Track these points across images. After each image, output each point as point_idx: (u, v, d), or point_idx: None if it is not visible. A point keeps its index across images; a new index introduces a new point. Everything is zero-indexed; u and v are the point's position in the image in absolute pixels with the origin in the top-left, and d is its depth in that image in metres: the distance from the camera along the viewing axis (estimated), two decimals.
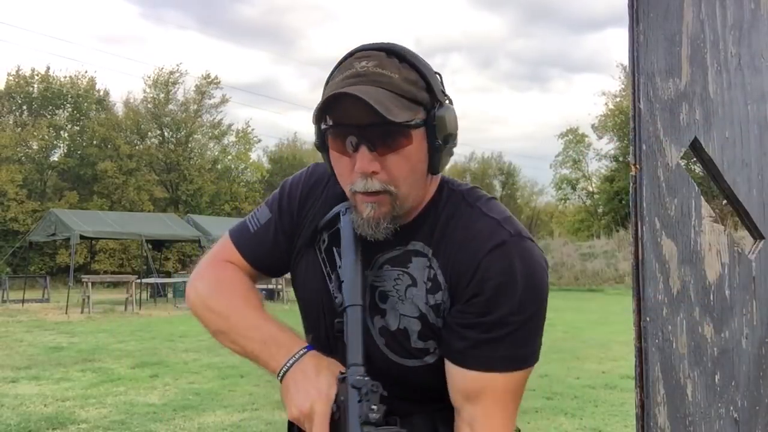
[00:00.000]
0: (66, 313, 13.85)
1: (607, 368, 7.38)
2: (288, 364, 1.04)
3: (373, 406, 0.94)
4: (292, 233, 1.20)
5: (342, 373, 1.01)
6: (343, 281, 1.08)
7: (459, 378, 1.05)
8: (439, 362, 1.08)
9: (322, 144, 1.08)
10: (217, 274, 1.20)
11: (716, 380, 0.91)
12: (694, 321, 0.89)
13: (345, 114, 0.99)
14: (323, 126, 1.05)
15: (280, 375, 1.04)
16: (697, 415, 0.88)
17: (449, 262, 1.06)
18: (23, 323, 12.27)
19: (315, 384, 1.01)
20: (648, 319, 0.85)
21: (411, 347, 1.09)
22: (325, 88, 1.05)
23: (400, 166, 1.01)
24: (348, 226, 1.10)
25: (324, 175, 1.19)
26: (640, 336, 0.85)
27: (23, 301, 16.19)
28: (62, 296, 15.59)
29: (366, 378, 0.97)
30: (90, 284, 14.51)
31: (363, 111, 0.95)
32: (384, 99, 0.96)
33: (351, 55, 1.06)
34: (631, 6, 0.87)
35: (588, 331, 10.76)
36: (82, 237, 17.80)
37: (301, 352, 1.05)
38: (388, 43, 1.05)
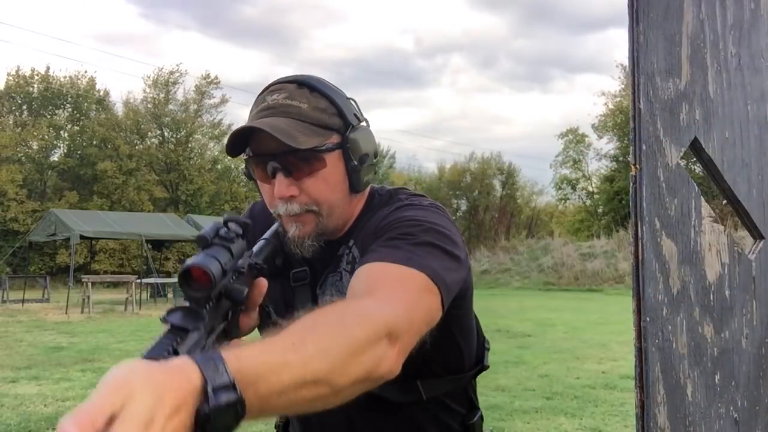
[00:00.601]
0: (66, 313, 13.85)
1: (607, 368, 7.38)
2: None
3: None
4: None
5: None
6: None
7: (358, 278, 0.99)
8: None
9: (249, 173, 1.17)
10: None
11: (716, 380, 0.91)
12: (694, 321, 0.89)
13: (260, 145, 1.08)
14: (244, 156, 1.13)
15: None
16: (697, 415, 0.88)
17: (361, 239, 1.14)
18: (23, 323, 12.27)
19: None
20: (648, 319, 0.85)
21: None
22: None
23: (317, 188, 1.10)
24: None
25: (263, 209, 1.23)
26: (640, 336, 0.85)
27: (23, 301, 16.19)
28: (62, 296, 15.59)
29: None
30: (90, 284, 14.51)
31: (273, 141, 1.04)
32: (290, 128, 1.05)
33: (266, 89, 1.14)
34: (631, 6, 0.87)
35: (588, 331, 10.75)
36: (82, 237, 17.80)
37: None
38: (301, 75, 1.14)
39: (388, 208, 1.14)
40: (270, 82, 1.16)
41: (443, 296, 0.97)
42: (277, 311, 1.13)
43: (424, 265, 0.98)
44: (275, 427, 1.30)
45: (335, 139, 1.10)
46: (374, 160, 1.16)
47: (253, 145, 1.10)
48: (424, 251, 1.01)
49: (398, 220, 1.08)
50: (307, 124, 1.07)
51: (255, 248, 1.15)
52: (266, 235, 1.16)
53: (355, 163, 1.12)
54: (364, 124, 1.16)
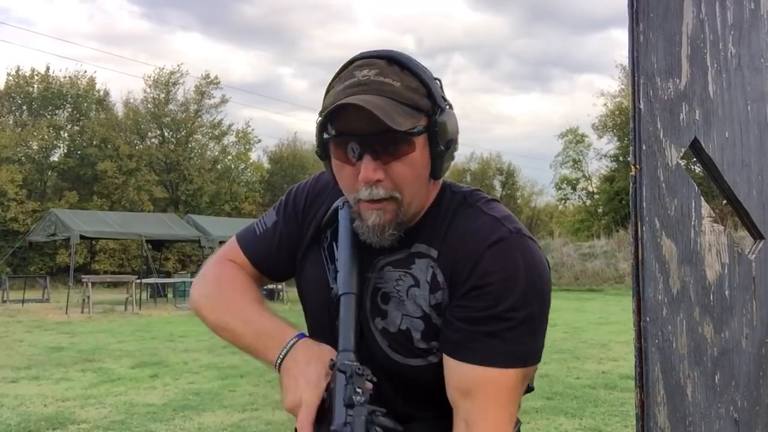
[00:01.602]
0: (66, 313, 13.85)
1: (607, 368, 7.38)
2: (281, 355, 1.05)
3: (358, 389, 0.92)
4: (298, 236, 1.22)
5: (332, 360, 1.00)
6: (338, 271, 1.10)
7: (455, 372, 1.03)
8: (441, 364, 1.07)
9: (324, 153, 1.09)
10: (218, 273, 1.22)
11: (716, 380, 0.91)
12: (694, 321, 0.89)
13: (348, 123, 1.00)
14: (325, 135, 1.05)
15: (277, 366, 1.05)
16: (697, 415, 0.88)
17: (449, 260, 1.07)
18: (23, 323, 12.27)
19: (304, 374, 1.01)
20: (648, 319, 0.85)
21: (414, 347, 1.08)
22: (325, 97, 1.07)
23: (403, 173, 1.02)
24: (345, 219, 1.13)
25: (330, 181, 1.20)
26: (640, 336, 0.85)
27: (23, 301, 16.19)
28: (62, 296, 15.59)
29: (353, 362, 0.97)
30: (90, 284, 14.51)
31: (366, 120, 0.97)
32: (387, 107, 0.98)
33: (351, 63, 1.06)
34: (631, 6, 0.87)
35: (588, 331, 10.75)
36: (82, 237, 17.80)
37: (292, 342, 1.06)
38: (389, 51, 1.06)
39: (486, 239, 1.05)
40: (355, 56, 1.08)
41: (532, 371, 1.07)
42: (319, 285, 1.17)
43: (522, 358, 1.02)
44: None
45: (424, 121, 1.03)
46: (457, 147, 1.10)
47: (339, 123, 1.01)
48: (521, 333, 1.02)
49: (500, 286, 1.02)
50: (400, 104, 1.00)
51: (326, 216, 1.19)
52: (335, 205, 1.18)
53: (441, 148, 1.05)
54: (448, 107, 1.08)
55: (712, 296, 0.92)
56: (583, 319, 12.51)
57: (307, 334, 1.15)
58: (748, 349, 0.95)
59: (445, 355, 1.06)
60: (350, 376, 0.94)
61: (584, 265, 23.76)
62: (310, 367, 1.02)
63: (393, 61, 1.04)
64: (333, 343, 1.07)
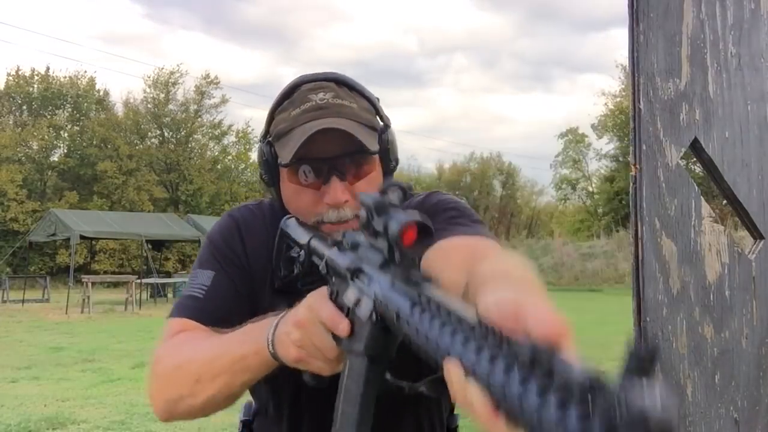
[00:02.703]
0: (66, 313, 13.85)
1: (608, 368, 7.37)
2: (271, 330, 0.90)
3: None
4: (248, 278, 1.11)
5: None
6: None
7: (450, 250, 0.92)
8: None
9: (272, 178, 1.08)
10: (172, 343, 1.05)
11: (716, 380, 0.91)
12: (694, 321, 0.89)
13: (317, 147, 0.99)
14: (282, 161, 1.02)
15: (270, 341, 0.90)
16: (697, 415, 0.88)
17: None
18: (23, 323, 12.26)
19: (304, 303, 0.87)
20: (648, 319, 0.85)
21: None
22: (273, 120, 1.07)
23: (367, 192, 1.02)
24: (295, 225, 1.07)
25: (252, 215, 1.16)
26: (640, 336, 0.85)
27: (23, 301, 16.18)
28: (62, 296, 15.58)
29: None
30: (90, 284, 14.50)
31: (333, 143, 0.99)
32: (357, 129, 1.00)
33: (298, 85, 1.07)
34: (631, 6, 0.87)
35: (588, 331, 10.75)
36: (82, 237, 17.79)
37: (281, 315, 0.91)
38: (333, 73, 1.08)
39: (418, 199, 1.10)
40: (299, 78, 1.08)
41: None
42: None
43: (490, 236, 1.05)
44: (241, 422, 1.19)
45: (377, 140, 1.05)
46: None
47: (305, 149, 0.99)
48: (479, 226, 1.06)
49: (442, 203, 1.07)
50: (361, 125, 1.02)
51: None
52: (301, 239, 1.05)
53: (393, 164, 1.09)
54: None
55: (712, 296, 0.92)
56: (583, 319, 12.50)
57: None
58: (748, 349, 0.95)
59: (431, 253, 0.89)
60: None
61: (584, 265, 23.76)
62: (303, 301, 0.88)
63: (341, 83, 1.06)
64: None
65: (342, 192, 1.01)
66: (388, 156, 1.07)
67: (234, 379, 0.96)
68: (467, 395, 0.50)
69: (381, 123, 1.08)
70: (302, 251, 1.02)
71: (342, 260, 0.84)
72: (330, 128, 0.98)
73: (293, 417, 1.13)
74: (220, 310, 1.07)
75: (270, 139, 1.08)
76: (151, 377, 1.04)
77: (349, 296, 0.79)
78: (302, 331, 0.83)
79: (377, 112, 1.08)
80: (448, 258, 0.88)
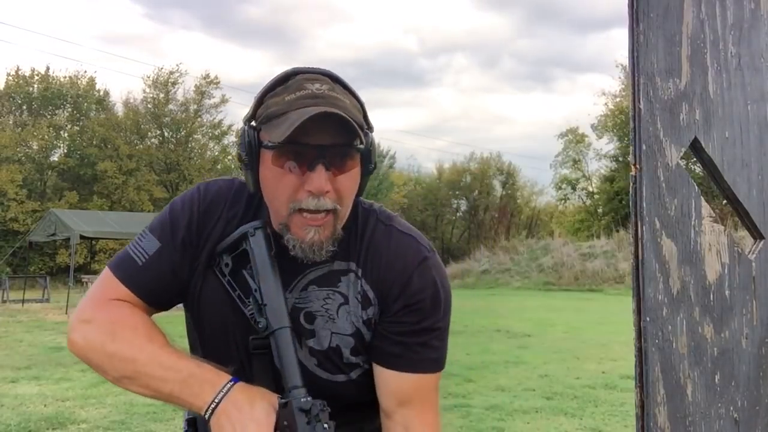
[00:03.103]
0: (66, 313, 13.85)
1: (607, 368, 7.38)
2: (216, 401, 0.99)
3: (325, 425, 0.95)
4: (191, 259, 1.12)
5: (282, 398, 1.00)
6: (265, 304, 1.05)
7: (393, 382, 1.12)
8: (363, 377, 1.14)
9: (252, 161, 1.08)
10: (110, 316, 1.08)
11: (716, 380, 0.91)
12: (694, 321, 0.89)
13: (305, 133, 0.99)
14: (269, 143, 1.03)
15: (208, 413, 0.99)
16: (697, 415, 0.88)
17: (377, 279, 1.12)
18: (23, 323, 12.27)
19: (251, 416, 0.97)
20: (648, 319, 0.85)
21: (342, 363, 1.12)
22: (263, 103, 1.07)
23: (347, 186, 1.06)
24: (259, 246, 1.08)
25: (219, 195, 1.16)
26: (640, 336, 0.85)
27: (23, 301, 16.19)
28: (62, 296, 15.58)
29: (312, 399, 0.98)
30: (90, 284, 14.49)
31: (325, 132, 1.00)
32: (347, 122, 1.01)
33: (294, 74, 1.07)
34: (631, 6, 0.87)
35: (588, 331, 10.75)
36: (82, 237, 17.80)
37: (228, 385, 1.01)
38: (327, 70, 1.10)
39: (412, 260, 1.13)
40: (295, 68, 1.09)
41: None
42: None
43: (443, 360, 1.16)
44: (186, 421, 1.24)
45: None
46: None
47: (298, 132, 0.99)
48: (442, 339, 1.15)
49: (430, 303, 1.12)
50: (352, 120, 1.02)
51: (227, 240, 1.10)
52: (242, 230, 1.10)
53: (372, 166, 1.10)
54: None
55: (712, 296, 0.92)
56: (583, 319, 12.51)
57: (193, 356, 1.12)
58: (748, 349, 0.95)
59: (381, 368, 1.12)
60: (315, 415, 0.95)
61: (584, 265, 23.76)
62: (255, 408, 0.98)
63: (334, 79, 1.08)
64: (240, 369, 1.09)
65: (326, 181, 1.02)
66: (369, 158, 1.09)
67: (160, 399, 1.05)
68: None
69: (365, 124, 1.11)
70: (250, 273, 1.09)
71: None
72: (329, 113, 0.98)
73: None
74: (153, 284, 1.10)
75: (257, 122, 1.09)
76: (80, 329, 1.08)
77: None
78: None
79: (364, 113, 1.11)
80: (389, 388, 1.11)
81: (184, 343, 1.20)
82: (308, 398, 0.98)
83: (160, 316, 1.15)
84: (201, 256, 1.12)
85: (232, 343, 1.13)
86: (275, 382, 1.07)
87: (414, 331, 1.11)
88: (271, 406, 1.00)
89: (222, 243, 1.12)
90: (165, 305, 1.15)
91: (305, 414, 0.96)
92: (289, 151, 1.03)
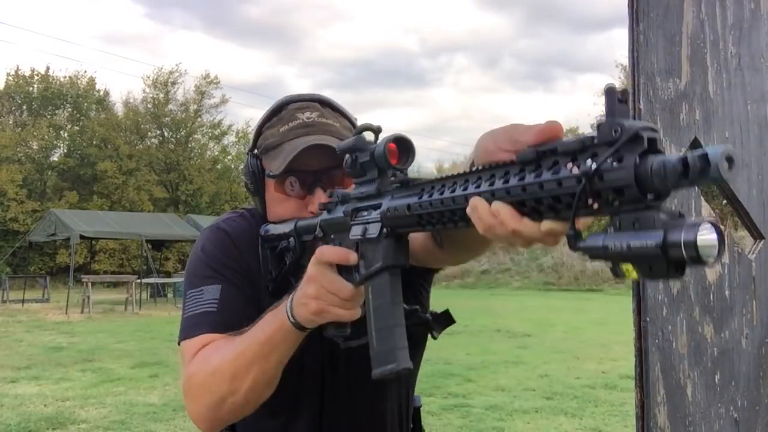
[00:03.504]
0: (66, 313, 13.85)
1: (607, 368, 7.38)
2: (288, 303, 0.96)
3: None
4: (251, 284, 1.15)
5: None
6: None
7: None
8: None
9: (258, 187, 1.17)
10: (198, 359, 1.07)
11: (716, 380, 0.91)
12: (694, 321, 0.89)
13: (303, 161, 1.09)
14: (271, 173, 1.13)
15: (290, 312, 0.95)
16: (697, 415, 0.88)
17: None
18: (23, 323, 12.26)
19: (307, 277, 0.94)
20: (648, 319, 0.85)
21: None
22: (262, 134, 1.17)
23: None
24: (295, 252, 1.13)
25: (239, 227, 1.21)
26: (640, 336, 0.85)
27: (23, 301, 16.18)
28: (62, 296, 15.58)
29: None
30: (90, 284, 14.50)
31: (319, 158, 1.09)
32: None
33: (285, 104, 1.17)
34: (631, 6, 0.88)
35: (588, 331, 10.75)
36: (82, 237, 17.78)
37: (287, 298, 0.98)
38: (317, 94, 1.19)
39: None
40: (286, 98, 1.18)
41: None
42: None
43: None
44: None
45: None
46: None
47: (293, 162, 1.08)
48: None
49: None
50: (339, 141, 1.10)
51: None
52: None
53: None
54: None
55: (712, 296, 0.92)
56: (583, 319, 12.50)
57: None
58: (748, 349, 0.95)
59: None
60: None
61: (584, 265, 23.74)
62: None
63: (325, 104, 1.17)
64: (304, 384, 1.13)
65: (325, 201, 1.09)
66: None
67: (266, 363, 0.99)
68: (497, 215, 0.64)
69: None
70: (291, 238, 1.11)
71: (336, 212, 0.97)
72: (318, 144, 1.08)
73: (291, 408, 1.17)
74: (237, 319, 1.08)
75: (258, 151, 1.19)
76: (187, 398, 1.06)
77: (355, 232, 0.90)
78: (315, 284, 0.91)
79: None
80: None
81: None
82: None
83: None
84: (255, 281, 1.16)
85: (298, 362, 1.09)
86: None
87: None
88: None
89: (267, 262, 1.16)
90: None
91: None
92: (289, 179, 1.13)
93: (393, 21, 76.80)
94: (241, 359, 1.00)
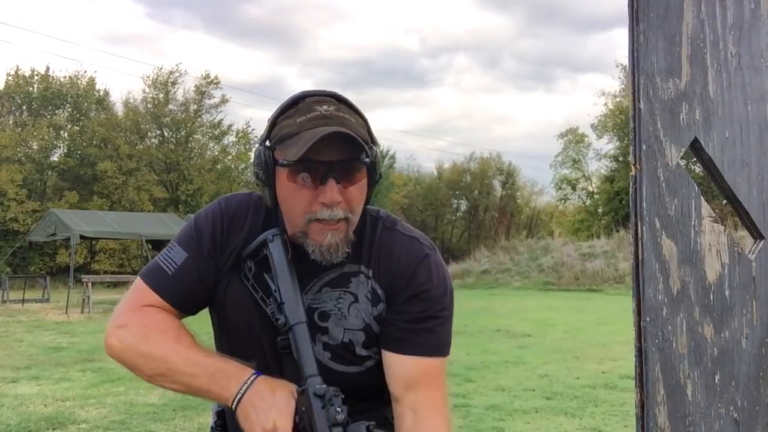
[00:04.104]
0: (66, 313, 13.85)
1: (607, 368, 7.38)
2: (241, 391, 1.10)
3: (338, 408, 1.04)
4: (216, 267, 1.23)
5: (300, 386, 1.10)
6: (283, 302, 1.16)
7: (399, 367, 1.20)
8: (374, 369, 1.23)
9: (269, 177, 1.18)
10: (142, 320, 1.19)
11: (716, 380, 0.91)
12: (694, 321, 0.89)
13: (317, 152, 1.10)
14: (284, 161, 1.14)
15: (234, 403, 1.09)
16: (697, 415, 0.88)
17: (385, 276, 1.23)
18: (23, 323, 12.27)
19: (273, 403, 1.08)
20: (648, 319, 0.85)
21: (354, 356, 1.22)
22: (277, 124, 1.18)
23: (356, 196, 1.17)
24: (278, 251, 1.20)
25: (240, 207, 1.27)
26: (640, 336, 0.85)
27: (23, 301, 16.19)
28: (62, 296, 15.59)
29: (326, 386, 1.08)
30: (90, 284, 14.51)
31: (334, 149, 1.11)
32: (355, 140, 1.12)
33: (303, 97, 1.18)
34: (631, 6, 0.88)
35: (588, 331, 10.75)
36: (82, 237, 17.79)
37: (252, 377, 1.12)
38: (332, 91, 1.20)
39: (415, 256, 1.24)
40: (302, 92, 1.19)
41: None
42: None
43: (448, 346, 1.25)
44: (211, 429, 1.33)
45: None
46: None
47: (310, 150, 1.10)
48: (446, 326, 1.25)
49: (434, 293, 1.23)
50: (358, 138, 1.13)
51: (250, 247, 1.22)
52: (262, 237, 1.21)
53: (378, 177, 1.21)
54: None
55: (712, 296, 0.92)
56: (583, 319, 12.51)
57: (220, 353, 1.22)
58: (748, 349, 0.95)
59: (388, 353, 1.21)
60: (329, 399, 1.05)
61: (584, 265, 23.75)
62: (277, 396, 1.09)
63: (340, 100, 1.19)
64: (270, 367, 1.19)
65: (337, 193, 1.13)
66: (374, 169, 1.19)
67: (190, 393, 1.15)
68: None
69: (369, 138, 1.20)
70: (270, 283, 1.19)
71: None
72: (335, 134, 1.09)
73: None
74: (182, 293, 1.21)
75: (271, 142, 1.20)
76: (112, 337, 1.19)
77: None
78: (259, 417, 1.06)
79: (368, 128, 1.21)
80: (396, 372, 1.20)
81: (211, 343, 1.29)
82: (323, 385, 1.08)
83: (188, 318, 1.26)
84: (226, 264, 1.23)
85: (257, 343, 1.23)
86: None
87: (419, 318, 1.21)
88: (291, 393, 1.10)
89: (245, 249, 1.22)
90: (193, 310, 1.26)
91: (320, 399, 1.06)
92: (303, 168, 1.14)
93: (394, 21, 76.77)
94: (175, 375, 1.14)
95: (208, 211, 1.27)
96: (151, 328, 1.17)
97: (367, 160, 1.16)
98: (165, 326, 1.18)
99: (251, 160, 1.31)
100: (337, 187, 1.13)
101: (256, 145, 1.22)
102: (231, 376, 1.12)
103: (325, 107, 1.15)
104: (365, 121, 1.21)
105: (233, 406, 1.10)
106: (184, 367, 1.13)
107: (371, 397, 1.24)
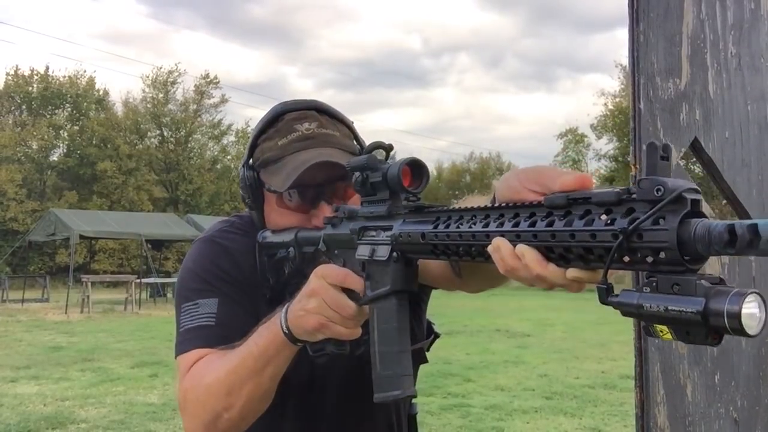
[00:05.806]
0: (66, 312, 13.84)
1: (607, 368, 7.38)
2: (282, 315, 0.95)
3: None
4: (247, 296, 1.13)
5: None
6: None
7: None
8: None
9: (257, 201, 1.14)
10: (192, 372, 1.06)
11: (716, 380, 0.91)
12: None
13: (306, 175, 1.05)
14: (272, 188, 1.09)
15: (283, 323, 0.94)
16: (696, 415, 0.88)
17: None
18: (23, 323, 12.26)
19: (307, 289, 0.92)
20: None
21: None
22: (257, 148, 1.13)
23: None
24: (295, 261, 1.11)
25: (230, 237, 1.19)
26: (640, 336, 0.85)
27: (23, 300, 16.17)
28: (62, 296, 15.58)
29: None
30: (90, 284, 14.50)
31: (321, 171, 1.06)
32: (341, 158, 1.06)
33: (281, 114, 1.12)
34: (631, 6, 0.87)
35: (587, 331, 10.75)
36: (81, 237, 17.79)
37: (287, 303, 0.97)
38: (312, 101, 1.14)
39: None
40: (280, 106, 1.13)
41: None
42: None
43: None
44: None
45: None
46: None
47: (299, 175, 1.05)
48: None
49: None
50: (344, 152, 1.10)
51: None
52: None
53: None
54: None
55: None
56: (583, 319, 12.50)
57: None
58: (747, 349, 0.95)
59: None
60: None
61: None
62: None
63: (321, 111, 1.13)
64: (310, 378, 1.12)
65: (330, 213, 1.06)
66: None
67: (261, 378, 0.98)
68: (521, 258, 0.63)
69: (357, 146, 1.16)
70: (291, 248, 1.08)
71: (342, 228, 0.95)
72: (323, 161, 1.04)
73: (300, 410, 1.17)
74: (236, 332, 1.05)
75: (255, 164, 1.14)
76: (184, 414, 1.04)
77: (362, 252, 0.89)
78: (317, 299, 0.88)
79: (354, 136, 1.16)
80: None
81: None
82: None
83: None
84: (251, 291, 1.14)
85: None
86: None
87: None
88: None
89: (265, 269, 1.13)
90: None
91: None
92: (291, 193, 1.10)
93: (395, 21, 76.78)
94: (235, 374, 0.98)
95: (202, 254, 1.17)
96: (200, 370, 1.04)
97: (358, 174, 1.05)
98: (211, 357, 1.05)
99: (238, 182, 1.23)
100: (328, 209, 1.07)
101: (240, 168, 1.16)
102: (269, 321, 0.98)
103: (306, 125, 1.10)
104: (349, 127, 1.16)
105: (285, 330, 0.94)
106: (233, 362, 0.99)
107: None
